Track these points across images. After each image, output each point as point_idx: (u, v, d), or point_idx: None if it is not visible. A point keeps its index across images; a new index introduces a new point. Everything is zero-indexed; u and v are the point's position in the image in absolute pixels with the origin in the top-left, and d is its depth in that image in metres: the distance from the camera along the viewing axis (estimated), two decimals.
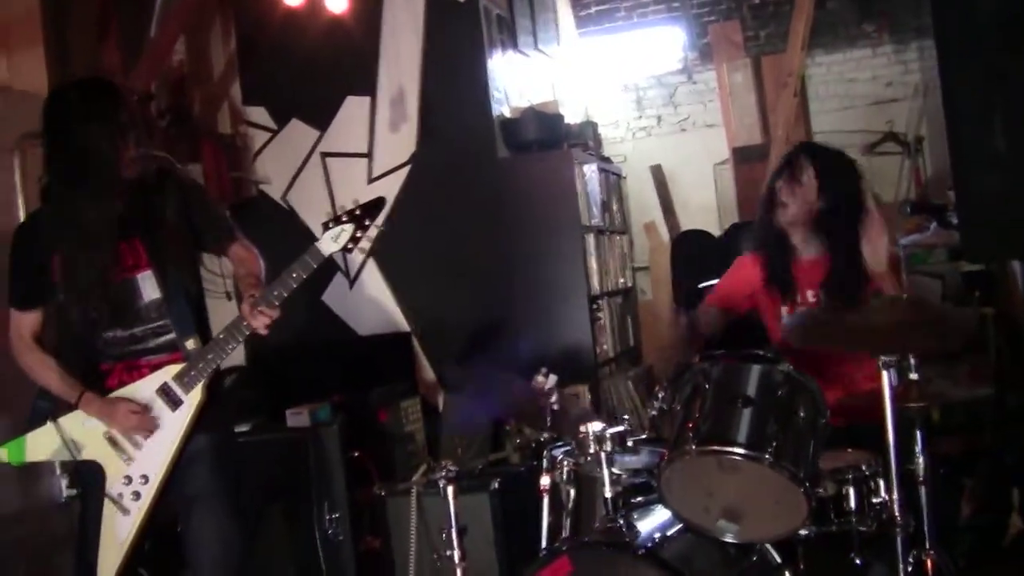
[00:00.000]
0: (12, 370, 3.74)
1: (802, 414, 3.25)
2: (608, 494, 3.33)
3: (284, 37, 6.81)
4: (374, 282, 6.86)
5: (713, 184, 9.27)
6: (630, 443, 3.47)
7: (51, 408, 3.68)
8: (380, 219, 3.63)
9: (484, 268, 6.58)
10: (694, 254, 7.82)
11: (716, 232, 8.46)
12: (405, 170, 6.77)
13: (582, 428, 3.44)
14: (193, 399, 3.63)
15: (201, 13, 6.91)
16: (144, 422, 3.60)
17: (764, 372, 3.28)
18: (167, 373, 3.64)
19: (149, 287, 3.68)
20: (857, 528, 3.36)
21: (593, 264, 6.79)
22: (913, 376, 3.43)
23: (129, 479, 3.62)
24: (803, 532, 3.25)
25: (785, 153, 4.41)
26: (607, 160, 7.90)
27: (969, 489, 5.09)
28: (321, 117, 6.95)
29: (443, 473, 3.79)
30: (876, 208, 4.15)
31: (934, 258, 7.13)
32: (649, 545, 3.20)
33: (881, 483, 3.36)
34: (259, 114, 7.08)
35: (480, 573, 4.33)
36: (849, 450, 3.52)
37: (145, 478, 3.61)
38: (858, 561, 3.39)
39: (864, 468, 3.38)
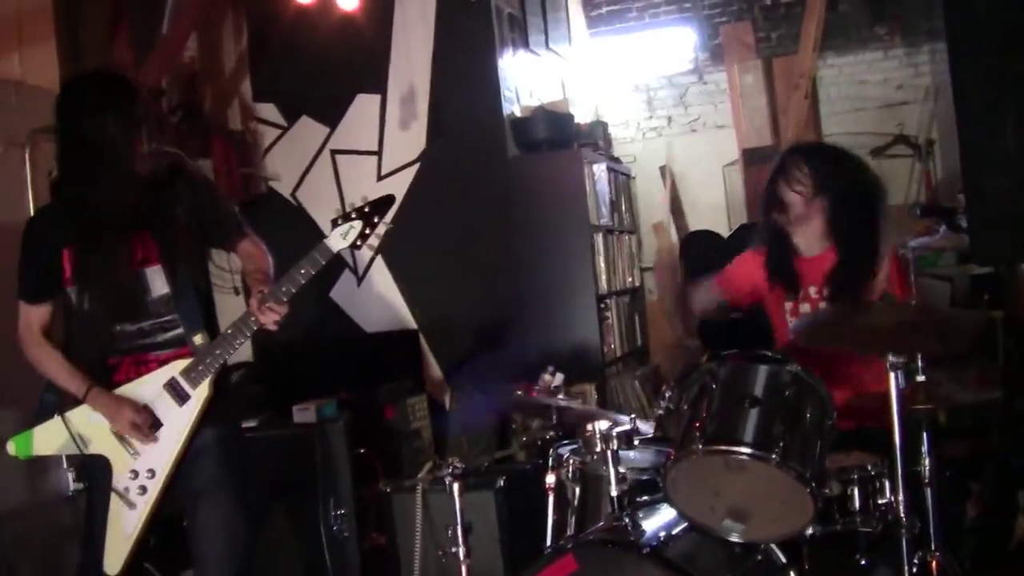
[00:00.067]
0: (20, 363, 3.74)
1: (809, 415, 3.24)
2: (614, 493, 3.33)
3: (295, 34, 6.82)
4: (382, 279, 6.87)
5: (722, 185, 9.26)
6: (636, 441, 3.47)
7: (58, 402, 3.68)
8: (389, 216, 3.64)
9: (492, 266, 6.59)
10: (702, 254, 7.81)
11: (725, 232, 8.46)
12: (414, 168, 6.78)
13: (588, 426, 3.44)
14: (200, 394, 3.63)
15: (213, 10, 6.92)
16: (145, 427, 3.60)
17: (772, 372, 3.27)
18: (175, 368, 3.64)
19: (158, 282, 3.67)
20: (862, 529, 3.36)
21: (601, 263, 6.80)
22: (920, 378, 3.43)
23: (136, 473, 3.62)
24: (808, 532, 3.25)
25: (780, 155, 4.40)
26: (617, 160, 7.90)
27: (975, 492, 5.09)
28: (331, 114, 6.97)
29: (449, 470, 3.80)
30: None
31: (943, 261, 7.14)
32: (654, 544, 3.19)
33: (887, 484, 3.36)
34: (269, 111, 7.10)
35: (485, 570, 4.33)
36: (856, 452, 3.52)
37: (152, 472, 3.62)
38: (863, 562, 3.39)
39: (870, 469, 3.38)
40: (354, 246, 3.60)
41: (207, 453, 3.68)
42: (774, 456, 3.08)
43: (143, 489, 3.60)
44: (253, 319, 3.58)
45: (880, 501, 3.36)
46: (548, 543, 3.69)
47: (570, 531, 3.62)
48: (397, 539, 4.75)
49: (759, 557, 3.34)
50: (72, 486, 4.61)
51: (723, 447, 3.15)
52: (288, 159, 7.07)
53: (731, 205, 9.17)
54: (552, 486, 3.74)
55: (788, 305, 4.17)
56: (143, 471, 3.62)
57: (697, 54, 9.61)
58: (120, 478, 3.62)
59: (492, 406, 5.13)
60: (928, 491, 3.44)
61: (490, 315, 6.53)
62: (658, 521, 3.36)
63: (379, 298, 6.86)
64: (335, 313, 6.91)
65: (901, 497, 3.30)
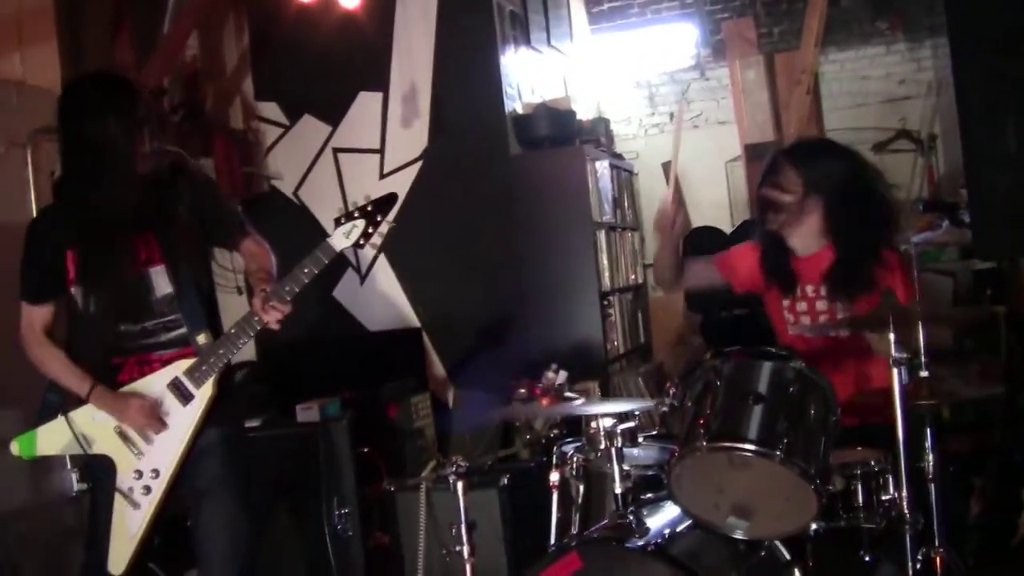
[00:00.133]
0: (22, 363, 3.75)
1: (813, 411, 3.25)
2: (618, 490, 3.33)
3: (297, 33, 6.82)
4: (385, 278, 6.87)
5: (725, 181, 9.26)
6: (640, 438, 3.47)
7: (61, 401, 3.69)
8: (391, 215, 3.64)
9: (495, 264, 6.59)
10: (705, 250, 7.80)
11: (727, 229, 8.46)
12: (417, 166, 6.78)
13: (592, 424, 3.44)
14: (204, 394, 3.63)
15: (214, 9, 6.92)
16: (154, 419, 3.61)
17: (775, 369, 3.28)
18: (178, 368, 3.65)
19: (161, 282, 3.68)
20: (866, 525, 3.36)
21: (604, 260, 6.79)
22: (924, 374, 3.43)
23: (140, 473, 3.62)
24: (812, 528, 3.25)
25: (767, 159, 4.36)
26: (619, 156, 7.89)
27: (978, 488, 5.08)
28: (333, 113, 6.96)
29: (453, 469, 3.80)
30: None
31: (946, 256, 7.14)
32: (658, 541, 3.20)
33: (890, 480, 3.36)
34: (271, 109, 7.09)
35: (489, 569, 4.33)
36: (859, 448, 3.52)
37: (156, 472, 3.62)
38: (867, 558, 3.39)
39: (873, 465, 3.38)
40: (357, 245, 3.59)
41: (211, 453, 3.68)
42: (778, 453, 3.08)
43: (147, 489, 3.61)
44: (256, 318, 3.58)
45: (884, 497, 3.36)
46: (552, 541, 3.70)
47: (574, 529, 3.62)
48: (401, 538, 4.76)
49: (763, 554, 3.35)
50: (76, 486, 4.62)
51: (727, 444, 3.16)
52: (290, 158, 7.06)
53: (734, 201, 9.17)
54: (556, 484, 3.74)
55: (785, 303, 4.15)
56: (147, 471, 3.62)
57: (699, 50, 9.61)
58: (124, 478, 3.63)
59: (495, 410, 5.13)
60: (932, 487, 3.44)
61: (493, 313, 6.52)
62: (662, 518, 3.37)
63: (382, 296, 6.86)
64: (338, 312, 6.90)
65: (905, 493, 3.30)
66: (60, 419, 3.66)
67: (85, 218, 3.60)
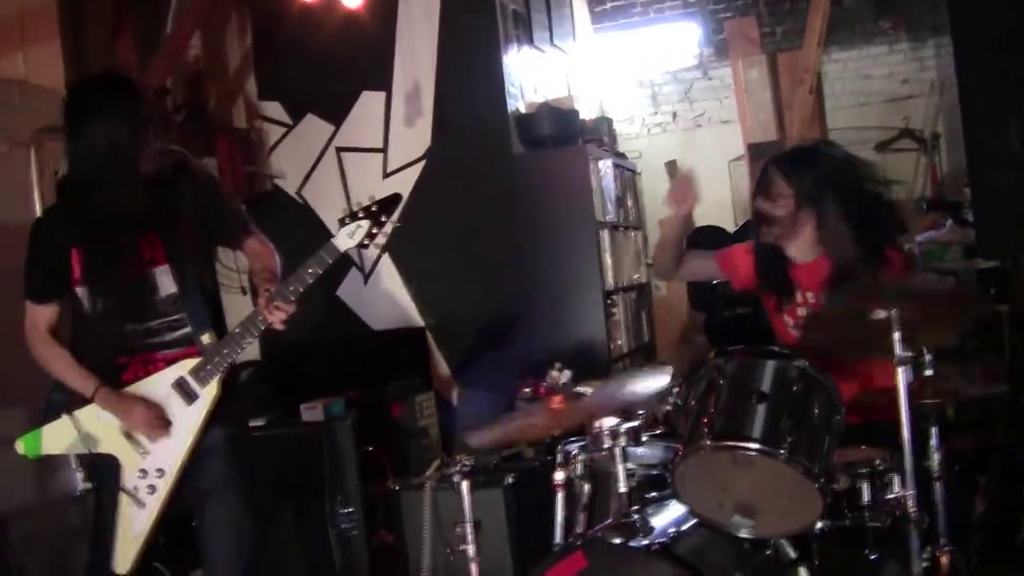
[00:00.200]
0: (26, 363, 3.75)
1: (817, 410, 3.24)
2: (622, 489, 3.33)
3: (299, 32, 6.82)
4: (389, 277, 6.87)
5: (728, 180, 9.26)
6: (644, 437, 3.47)
7: (65, 401, 3.69)
8: (395, 215, 3.64)
9: (498, 263, 6.59)
10: (708, 249, 7.79)
11: (730, 228, 8.45)
12: (420, 165, 6.78)
13: (596, 423, 3.44)
14: (209, 393, 3.64)
15: (217, 8, 6.93)
16: (158, 423, 3.61)
17: (779, 368, 3.27)
18: (183, 367, 3.65)
19: (165, 281, 3.68)
20: (871, 524, 3.35)
21: (608, 260, 6.79)
22: (928, 373, 3.42)
23: (144, 472, 3.63)
24: (818, 527, 3.25)
25: (759, 171, 4.34)
26: (622, 156, 7.89)
27: (983, 486, 5.08)
28: (336, 112, 6.96)
29: (457, 468, 3.79)
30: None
31: (949, 255, 7.12)
32: (663, 540, 3.20)
33: (895, 479, 3.35)
34: (274, 109, 7.10)
35: (494, 568, 4.33)
36: (864, 447, 3.51)
37: (160, 472, 3.62)
38: (872, 557, 3.39)
39: (878, 463, 3.38)
40: (361, 245, 3.60)
41: (215, 452, 3.69)
42: (782, 452, 3.08)
43: (152, 488, 3.61)
44: (261, 318, 3.58)
45: (889, 496, 3.35)
46: (557, 540, 3.69)
47: (579, 528, 3.62)
48: (405, 537, 4.75)
49: (768, 552, 3.34)
50: (81, 485, 4.61)
51: (731, 443, 3.16)
52: (293, 157, 7.07)
53: (737, 201, 9.16)
54: (561, 483, 3.73)
55: (785, 307, 4.14)
56: (152, 470, 3.63)
57: (702, 49, 9.61)
58: (129, 477, 3.63)
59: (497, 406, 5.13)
60: (937, 485, 3.44)
61: (497, 312, 6.52)
62: (667, 517, 3.37)
63: (386, 296, 6.86)
64: (342, 311, 6.91)
65: (910, 492, 3.29)
66: (65, 418, 3.67)
67: (89, 218, 3.61)
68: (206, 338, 3.66)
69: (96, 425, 3.65)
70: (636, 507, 3.32)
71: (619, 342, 6.93)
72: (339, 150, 6.96)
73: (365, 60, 6.86)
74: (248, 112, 7.13)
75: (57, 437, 3.70)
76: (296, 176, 7.06)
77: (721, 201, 9.20)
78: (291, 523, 5.21)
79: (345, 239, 3.58)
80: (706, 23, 9.53)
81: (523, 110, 6.89)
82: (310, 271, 3.56)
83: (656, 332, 7.99)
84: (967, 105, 3.73)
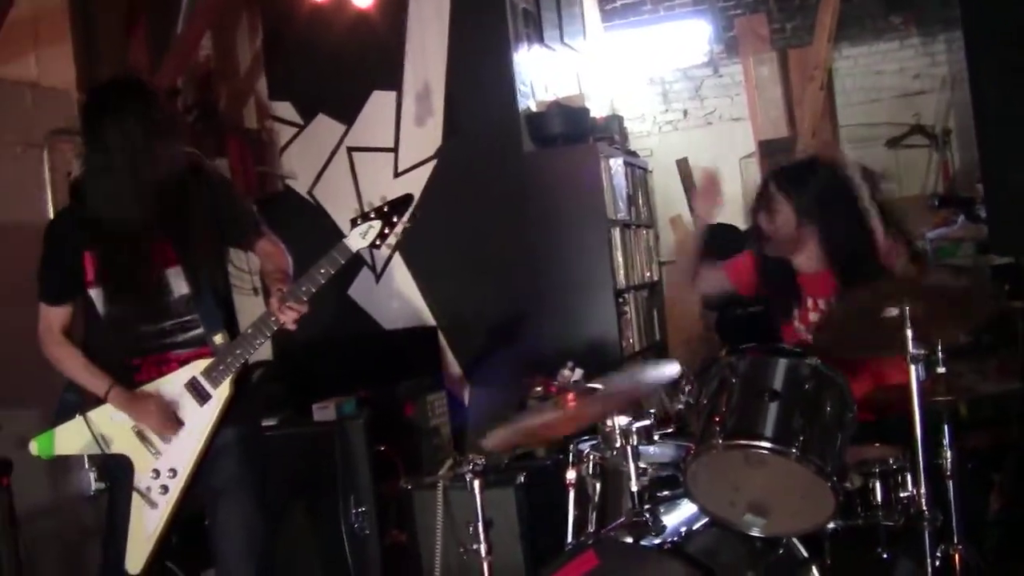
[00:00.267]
0: (40, 363, 3.76)
1: (829, 408, 3.24)
2: (634, 488, 3.33)
3: (310, 32, 6.83)
4: (400, 276, 6.87)
5: (739, 177, 9.24)
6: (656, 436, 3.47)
7: (79, 401, 3.71)
8: (407, 215, 3.65)
9: (510, 262, 6.58)
10: (720, 247, 7.79)
11: (741, 225, 8.43)
12: (431, 164, 6.78)
13: (608, 421, 3.44)
14: (221, 394, 3.65)
15: (227, 9, 6.93)
16: (171, 421, 3.63)
17: (791, 366, 3.27)
18: (196, 368, 3.66)
19: (178, 283, 3.69)
20: (884, 523, 3.35)
21: (619, 258, 6.79)
22: (941, 370, 3.42)
23: (157, 473, 3.64)
24: (830, 526, 3.24)
25: (757, 185, 4.34)
26: (633, 154, 7.89)
27: (998, 484, 5.06)
28: (347, 112, 6.97)
29: (469, 467, 3.79)
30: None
31: (962, 252, 7.10)
32: (675, 539, 3.19)
33: (908, 477, 3.35)
34: (285, 109, 7.10)
35: (506, 567, 4.33)
36: (877, 445, 3.51)
37: (173, 472, 3.63)
38: (885, 556, 3.38)
39: (891, 461, 3.37)
40: (373, 246, 3.61)
41: (228, 452, 3.70)
42: (794, 450, 3.07)
43: (165, 488, 3.62)
44: (273, 319, 3.59)
45: (902, 494, 3.35)
46: (569, 539, 3.69)
47: (591, 527, 3.61)
48: (418, 536, 4.76)
49: (780, 552, 3.34)
50: (94, 486, 4.63)
51: (743, 441, 3.15)
52: (304, 157, 7.07)
53: (748, 198, 9.12)
54: (572, 482, 3.73)
55: (796, 312, 4.14)
56: (165, 470, 3.64)
57: (712, 47, 9.59)
58: (142, 477, 3.64)
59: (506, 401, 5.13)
60: (950, 483, 3.43)
61: (508, 311, 6.52)
62: (679, 516, 3.36)
63: (397, 295, 6.86)
64: (354, 311, 6.91)
65: (923, 490, 3.28)
66: (78, 419, 3.68)
67: (103, 220, 3.62)
68: (219, 339, 3.67)
69: (109, 426, 3.67)
70: (648, 506, 3.31)
71: (631, 340, 6.93)
72: (350, 150, 6.97)
73: (375, 60, 6.87)
74: (259, 112, 7.14)
75: (70, 438, 3.71)
76: (307, 176, 7.06)
77: (732, 198, 9.06)
78: (303, 522, 5.21)
79: (357, 239, 3.59)
80: (716, 20, 9.51)
81: (534, 109, 6.89)
82: (322, 271, 3.56)
83: (668, 331, 7.98)
84: (979, 100, 3.72)
